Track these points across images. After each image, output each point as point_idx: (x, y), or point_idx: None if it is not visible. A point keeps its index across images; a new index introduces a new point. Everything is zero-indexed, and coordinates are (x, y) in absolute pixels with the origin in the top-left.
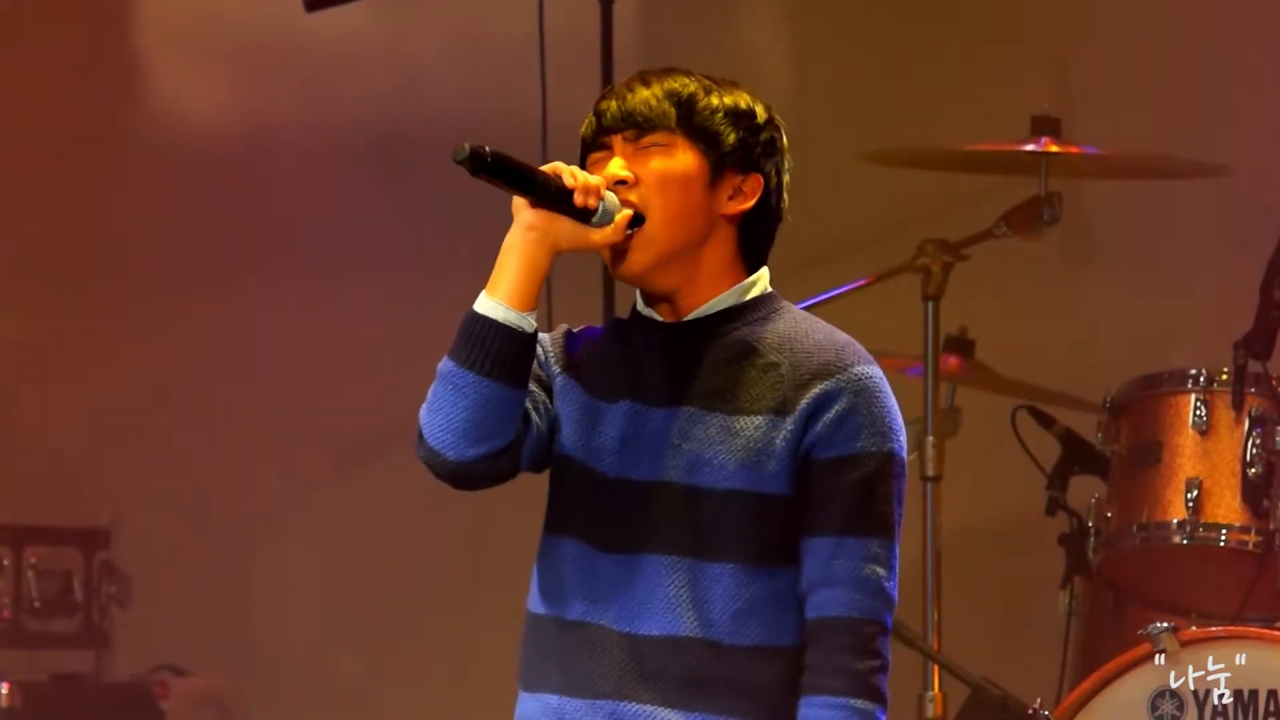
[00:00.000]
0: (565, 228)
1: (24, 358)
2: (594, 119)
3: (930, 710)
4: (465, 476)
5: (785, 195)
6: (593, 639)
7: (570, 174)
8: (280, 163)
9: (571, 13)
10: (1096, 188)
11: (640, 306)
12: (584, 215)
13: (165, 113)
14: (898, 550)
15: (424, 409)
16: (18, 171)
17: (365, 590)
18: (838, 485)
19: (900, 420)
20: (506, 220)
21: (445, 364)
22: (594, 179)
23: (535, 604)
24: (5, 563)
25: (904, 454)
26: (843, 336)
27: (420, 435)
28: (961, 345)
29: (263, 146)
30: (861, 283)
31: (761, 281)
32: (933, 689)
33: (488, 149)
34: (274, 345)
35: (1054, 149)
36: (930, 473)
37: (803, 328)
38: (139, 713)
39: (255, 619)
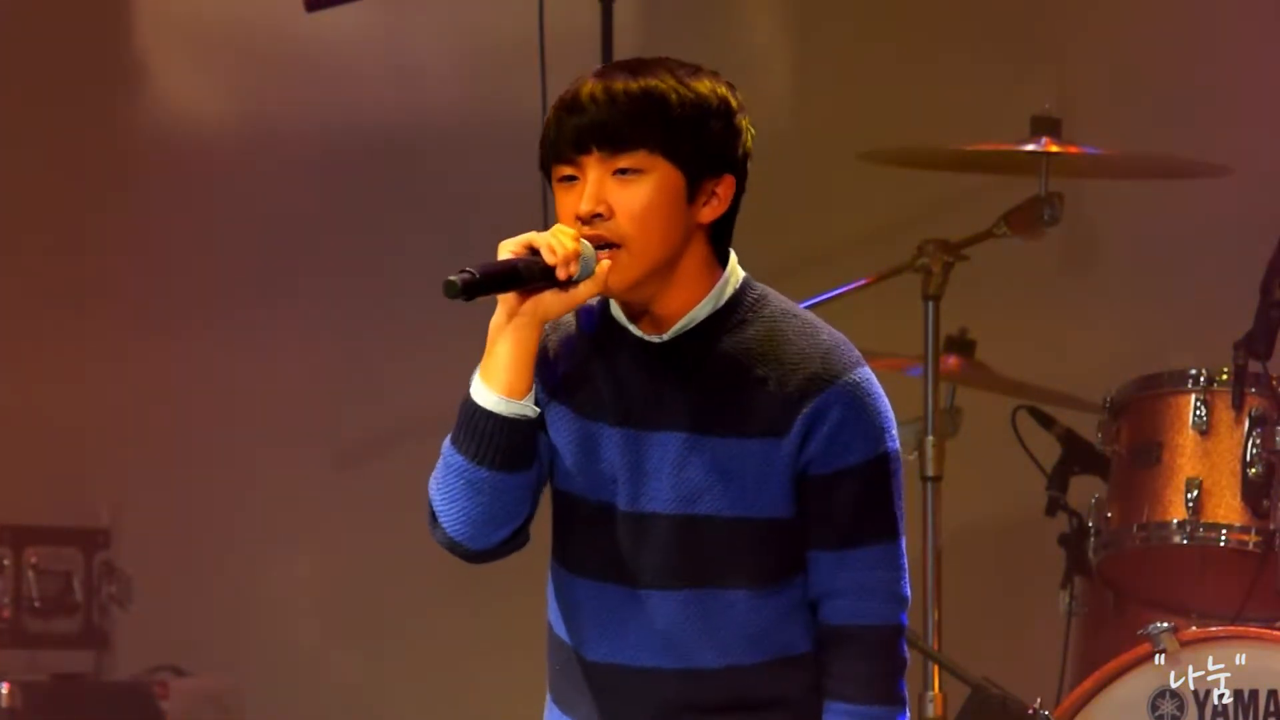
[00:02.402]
0: (549, 300)
1: (24, 358)
2: (559, 130)
3: (930, 710)
4: (488, 557)
5: (748, 168)
6: (617, 679)
7: (548, 248)
8: (280, 162)
9: (571, 13)
10: (1096, 188)
11: (616, 313)
12: (566, 283)
13: (165, 113)
14: (904, 545)
15: (436, 494)
16: (18, 172)
17: (365, 590)
18: (838, 498)
19: (891, 415)
20: (505, 220)
21: (452, 455)
22: (570, 244)
23: (557, 626)
24: (5, 563)
25: (897, 446)
26: (825, 340)
27: (435, 519)
28: (961, 345)
29: (263, 146)
30: (861, 283)
31: (734, 275)
32: (933, 689)
33: (472, 271)
34: (274, 344)
35: (1054, 149)
36: (930, 473)
37: (783, 330)
38: (139, 713)
39: (255, 619)
